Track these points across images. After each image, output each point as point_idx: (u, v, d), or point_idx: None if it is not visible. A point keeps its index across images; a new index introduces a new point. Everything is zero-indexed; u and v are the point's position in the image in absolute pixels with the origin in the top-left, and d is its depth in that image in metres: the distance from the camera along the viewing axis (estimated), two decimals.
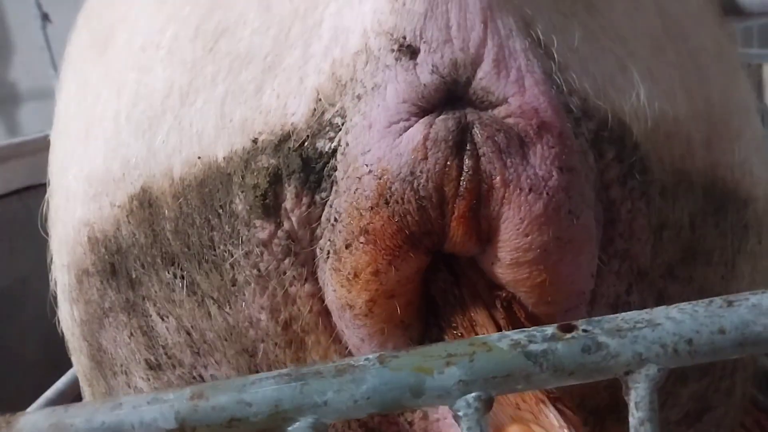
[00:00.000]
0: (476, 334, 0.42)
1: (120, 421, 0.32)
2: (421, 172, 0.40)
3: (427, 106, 0.42)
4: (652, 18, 0.51)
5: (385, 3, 0.43)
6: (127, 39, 0.55)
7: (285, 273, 0.47)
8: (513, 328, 0.43)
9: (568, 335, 0.30)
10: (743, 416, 0.75)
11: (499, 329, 0.43)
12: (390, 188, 0.41)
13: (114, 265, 0.52)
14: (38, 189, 1.49)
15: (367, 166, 0.42)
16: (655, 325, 0.30)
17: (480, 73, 0.42)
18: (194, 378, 0.51)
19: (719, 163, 0.51)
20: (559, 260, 0.42)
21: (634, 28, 0.49)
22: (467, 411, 0.30)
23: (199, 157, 0.49)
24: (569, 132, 0.42)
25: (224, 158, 0.48)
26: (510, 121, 0.41)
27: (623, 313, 0.31)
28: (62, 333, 0.63)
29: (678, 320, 0.30)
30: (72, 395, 1.09)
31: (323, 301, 0.47)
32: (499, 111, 0.42)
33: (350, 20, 0.45)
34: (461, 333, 0.43)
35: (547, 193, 0.40)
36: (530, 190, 0.40)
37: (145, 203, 0.51)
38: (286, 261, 0.46)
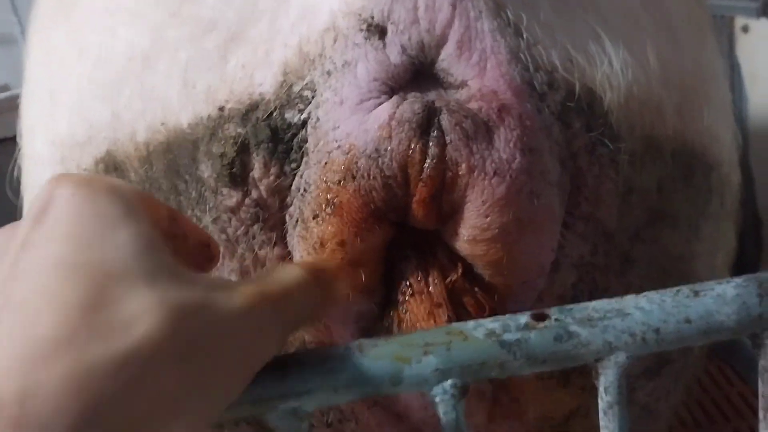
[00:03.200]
0: (433, 301, 0.43)
1: None
2: (385, 150, 0.40)
3: (396, 86, 0.42)
4: None
5: None
6: (91, 1, 0.53)
7: (254, 238, 0.46)
8: (467, 297, 0.44)
9: (541, 324, 0.31)
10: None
11: (453, 296, 0.44)
12: (357, 163, 0.41)
13: None
14: (3, 143, 1.44)
15: (336, 141, 0.42)
16: (625, 315, 0.31)
17: (442, 54, 0.42)
18: None
19: (688, 129, 0.51)
20: (518, 239, 0.42)
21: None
22: (444, 397, 0.31)
23: (162, 123, 0.47)
24: (530, 112, 0.42)
25: (189, 125, 0.47)
26: (473, 105, 0.41)
27: (594, 302, 0.32)
28: None
29: (646, 310, 0.31)
30: None
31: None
32: (461, 94, 0.42)
33: (318, 0, 0.44)
34: (420, 299, 0.44)
35: (510, 176, 0.40)
36: (494, 173, 0.40)
37: (110, 166, 0.50)
38: (255, 227, 0.46)
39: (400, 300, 0.44)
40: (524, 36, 0.43)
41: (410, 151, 0.40)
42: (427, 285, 0.44)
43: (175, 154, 0.47)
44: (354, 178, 0.41)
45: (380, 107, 0.41)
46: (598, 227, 0.48)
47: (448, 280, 0.44)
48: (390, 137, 0.40)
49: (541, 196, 0.42)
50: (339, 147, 0.41)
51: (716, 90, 0.56)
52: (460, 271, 0.44)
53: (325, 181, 0.42)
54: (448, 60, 0.42)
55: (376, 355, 0.31)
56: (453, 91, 0.42)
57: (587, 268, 0.49)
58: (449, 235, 0.43)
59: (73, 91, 0.52)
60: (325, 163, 0.42)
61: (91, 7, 0.53)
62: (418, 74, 0.42)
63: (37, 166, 0.56)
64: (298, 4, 0.45)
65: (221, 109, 0.45)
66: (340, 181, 0.42)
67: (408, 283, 0.44)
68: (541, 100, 0.43)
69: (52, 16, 0.58)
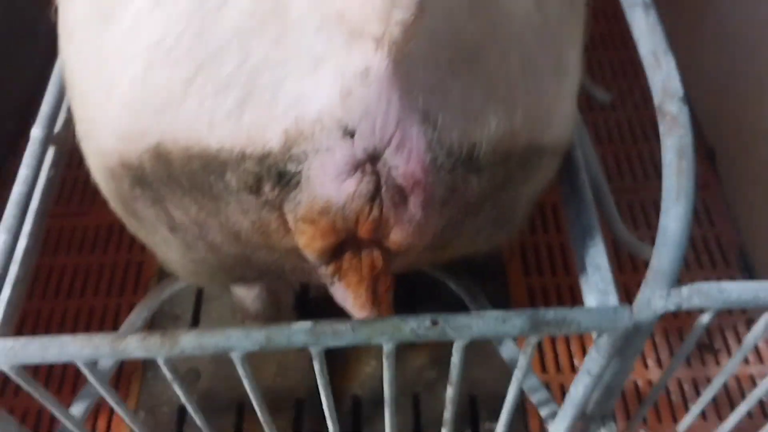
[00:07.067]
0: (361, 273, 0.79)
1: None
2: (349, 207, 0.71)
3: (358, 164, 0.70)
4: (513, 60, 0.74)
5: (337, 98, 0.66)
6: (130, 26, 0.68)
7: (262, 210, 0.76)
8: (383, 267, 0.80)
9: (435, 326, 0.70)
10: None
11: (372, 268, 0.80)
12: (332, 208, 0.71)
13: (140, 177, 0.77)
14: None
15: (320, 192, 0.71)
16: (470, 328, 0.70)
17: (387, 152, 0.69)
18: (200, 237, 0.82)
19: (534, 138, 0.80)
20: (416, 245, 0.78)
21: (498, 71, 0.73)
22: (389, 350, 0.71)
23: (198, 143, 0.71)
24: (431, 182, 0.72)
25: (216, 150, 0.71)
26: (400, 181, 0.71)
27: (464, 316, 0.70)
28: None
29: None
30: None
31: (284, 217, 0.77)
32: (395, 171, 0.70)
33: (309, 91, 0.67)
34: (354, 270, 0.80)
35: (416, 221, 0.74)
36: (408, 221, 0.73)
37: (161, 154, 0.74)
38: (264, 209, 0.75)
39: (343, 268, 0.79)
40: (437, 127, 0.70)
41: (362, 210, 0.71)
42: (360, 262, 0.79)
43: (208, 161, 0.72)
44: (328, 214, 0.72)
45: (348, 181, 0.70)
46: (462, 202, 0.81)
47: (374, 255, 0.79)
48: (353, 201, 0.71)
49: (431, 224, 0.75)
50: (322, 196, 0.71)
51: (567, 94, 0.83)
52: (379, 251, 0.79)
53: (310, 209, 0.72)
54: (389, 154, 0.70)
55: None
56: (392, 168, 0.70)
57: (454, 218, 0.84)
58: (380, 238, 0.76)
59: (126, 99, 0.72)
60: (311, 200, 0.72)
61: (132, 32, 0.70)
62: (371, 158, 0.69)
63: (100, 129, 0.77)
64: (293, 87, 0.68)
65: (243, 152, 0.70)
66: (319, 212, 0.72)
67: (349, 258, 0.79)
68: (441, 166, 0.73)
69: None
